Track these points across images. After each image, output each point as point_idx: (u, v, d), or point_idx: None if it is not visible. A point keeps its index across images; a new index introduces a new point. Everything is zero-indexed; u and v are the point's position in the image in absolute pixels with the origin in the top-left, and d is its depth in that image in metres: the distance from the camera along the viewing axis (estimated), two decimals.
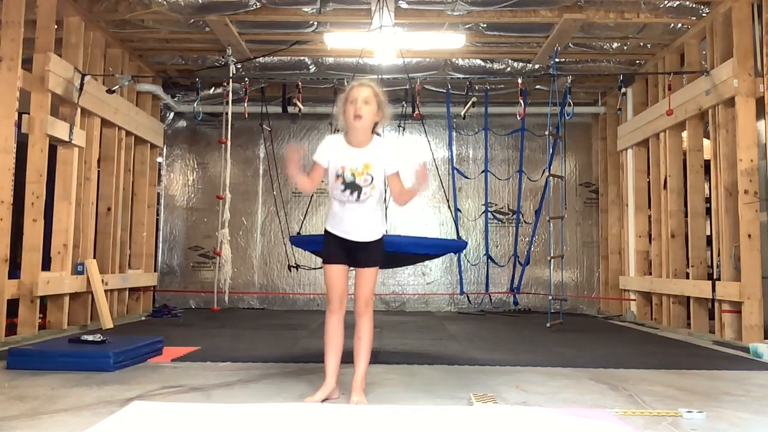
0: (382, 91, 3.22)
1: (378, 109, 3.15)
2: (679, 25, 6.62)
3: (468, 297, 7.88)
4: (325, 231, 3.27)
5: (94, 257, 6.68)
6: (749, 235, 5.56)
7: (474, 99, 7.10)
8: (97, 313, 6.34)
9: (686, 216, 6.80)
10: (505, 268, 8.37)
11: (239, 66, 7.54)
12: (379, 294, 9.10)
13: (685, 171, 6.89)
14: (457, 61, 7.74)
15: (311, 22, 6.72)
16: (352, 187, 3.13)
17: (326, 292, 3.27)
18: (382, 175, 3.18)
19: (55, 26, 5.93)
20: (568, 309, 8.19)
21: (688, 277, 6.68)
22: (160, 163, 8.97)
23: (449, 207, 6.43)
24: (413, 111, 6.93)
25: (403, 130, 8.86)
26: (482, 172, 8.09)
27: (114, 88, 6.71)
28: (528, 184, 8.60)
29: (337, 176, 3.14)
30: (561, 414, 2.81)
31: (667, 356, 4.88)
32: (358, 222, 3.17)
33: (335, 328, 3.21)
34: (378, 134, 3.27)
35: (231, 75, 7.31)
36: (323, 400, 3.07)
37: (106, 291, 6.56)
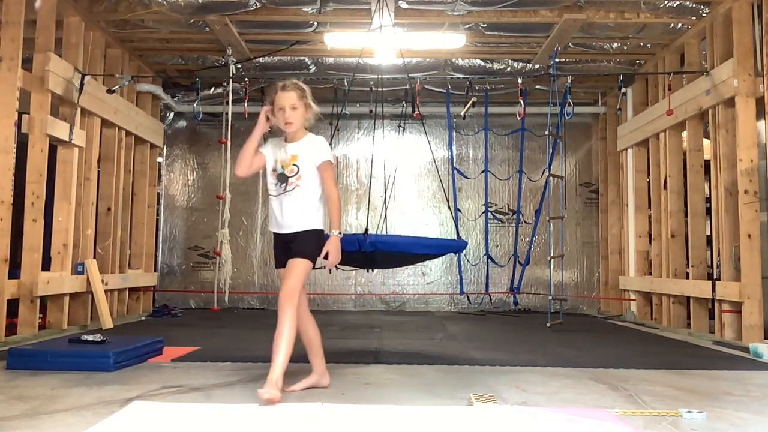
0: (308, 88, 3.35)
1: (306, 109, 3.31)
2: (679, 25, 6.62)
3: (468, 297, 7.87)
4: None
5: (94, 257, 6.68)
6: (749, 235, 5.56)
7: (474, 99, 7.09)
8: (97, 313, 6.34)
9: (686, 216, 6.80)
10: (505, 268, 8.36)
11: (239, 66, 7.53)
12: (379, 294, 9.11)
13: (685, 171, 6.89)
14: (457, 61, 7.74)
15: (311, 22, 6.72)
16: (281, 178, 3.30)
17: None
18: (312, 168, 3.28)
19: (55, 26, 5.93)
20: (568, 309, 8.19)
21: (688, 277, 6.68)
22: (160, 163, 8.96)
23: (449, 207, 6.42)
24: (413, 111, 6.93)
25: (403, 130, 8.88)
26: (482, 172, 8.07)
27: (114, 88, 6.70)
28: (528, 184, 8.60)
29: (272, 170, 3.34)
30: (561, 414, 2.81)
31: (667, 356, 4.88)
32: (286, 212, 3.27)
33: (301, 327, 3.36)
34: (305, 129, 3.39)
35: (231, 75, 7.31)
36: (309, 388, 3.32)
37: (106, 291, 6.56)
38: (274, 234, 3.34)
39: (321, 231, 3.31)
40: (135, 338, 4.82)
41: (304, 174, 3.26)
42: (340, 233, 3.31)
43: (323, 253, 3.26)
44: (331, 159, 3.35)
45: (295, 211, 3.26)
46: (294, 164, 3.27)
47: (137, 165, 7.92)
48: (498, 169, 8.90)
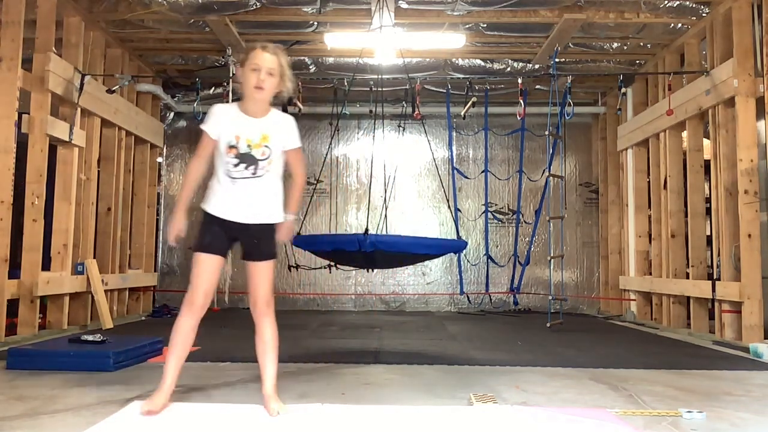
0: (287, 60, 2.95)
1: (281, 80, 2.89)
2: (679, 25, 6.62)
3: (468, 297, 7.88)
4: (205, 214, 2.88)
5: (94, 257, 6.68)
6: (749, 235, 5.56)
7: (474, 99, 7.09)
8: (97, 313, 6.34)
9: (686, 216, 6.80)
10: (505, 268, 8.36)
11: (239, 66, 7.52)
12: (379, 294, 9.11)
13: (685, 171, 6.89)
14: (457, 61, 7.74)
15: (311, 22, 6.72)
16: (248, 159, 2.81)
17: (190, 288, 2.83)
18: (280, 151, 2.88)
19: (55, 26, 5.93)
20: (568, 309, 8.19)
21: (688, 277, 6.68)
22: (160, 163, 8.96)
23: (449, 207, 6.43)
24: (413, 111, 6.93)
25: (403, 130, 8.88)
26: (482, 172, 8.08)
27: (114, 88, 6.71)
28: (528, 184, 8.61)
29: (230, 147, 2.81)
30: (561, 414, 2.81)
31: (667, 356, 4.88)
32: (252, 200, 2.82)
33: (190, 332, 2.85)
34: (273, 104, 2.98)
35: (231, 75, 7.31)
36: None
37: (106, 291, 6.56)
38: (220, 219, 2.83)
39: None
40: (135, 338, 4.82)
41: (275, 158, 2.85)
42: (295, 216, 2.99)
43: (279, 234, 2.93)
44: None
45: (265, 199, 2.85)
46: (266, 146, 2.81)
47: (137, 165, 7.91)
48: (498, 169, 8.91)
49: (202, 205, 2.87)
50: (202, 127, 2.86)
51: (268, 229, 2.89)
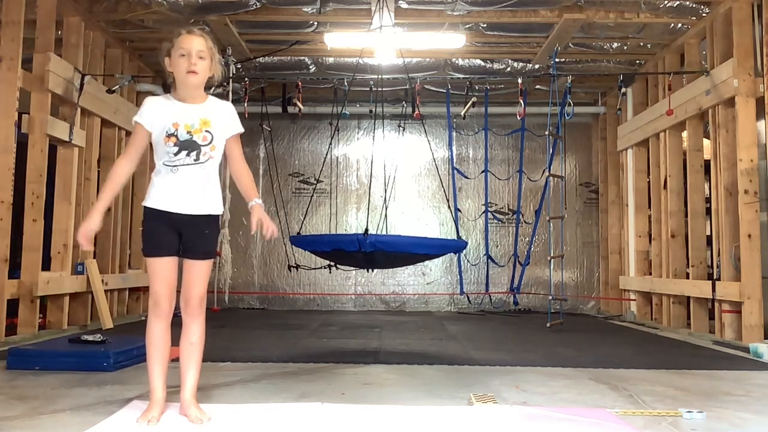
0: (214, 44, 2.82)
1: (211, 63, 2.77)
2: (679, 25, 6.62)
3: (468, 297, 7.89)
4: (147, 211, 2.71)
5: (94, 257, 6.67)
6: (749, 235, 5.55)
7: (474, 99, 7.10)
8: (97, 313, 6.34)
9: (686, 216, 6.80)
10: (505, 268, 8.37)
11: (239, 66, 7.53)
12: (379, 294, 9.11)
13: (685, 171, 6.89)
14: (457, 61, 7.73)
15: (311, 22, 6.72)
16: (190, 146, 2.67)
17: (152, 295, 2.72)
18: (223, 139, 2.77)
19: (55, 26, 5.93)
20: (568, 309, 8.18)
21: (688, 277, 6.68)
22: None
23: (449, 207, 6.43)
24: (413, 111, 6.93)
25: (403, 130, 8.88)
26: (482, 172, 8.09)
27: (114, 88, 6.70)
28: (528, 184, 8.60)
29: (169, 136, 2.66)
30: (561, 414, 2.81)
31: (667, 356, 4.88)
32: (195, 188, 2.69)
33: (164, 336, 2.78)
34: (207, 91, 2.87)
35: (231, 75, 7.31)
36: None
37: (106, 291, 6.55)
38: (163, 213, 2.67)
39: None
40: (135, 338, 4.80)
41: (218, 144, 2.73)
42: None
43: (255, 224, 2.84)
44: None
45: (210, 188, 2.74)
46: (207, 131, 2.70)
47: (137, 165, 7.88)
48: (498, 169, 8.90)
49: (143, 202, 2.71)
50: (135, 119, 2.71)
51: (211, 223, 2.78)
